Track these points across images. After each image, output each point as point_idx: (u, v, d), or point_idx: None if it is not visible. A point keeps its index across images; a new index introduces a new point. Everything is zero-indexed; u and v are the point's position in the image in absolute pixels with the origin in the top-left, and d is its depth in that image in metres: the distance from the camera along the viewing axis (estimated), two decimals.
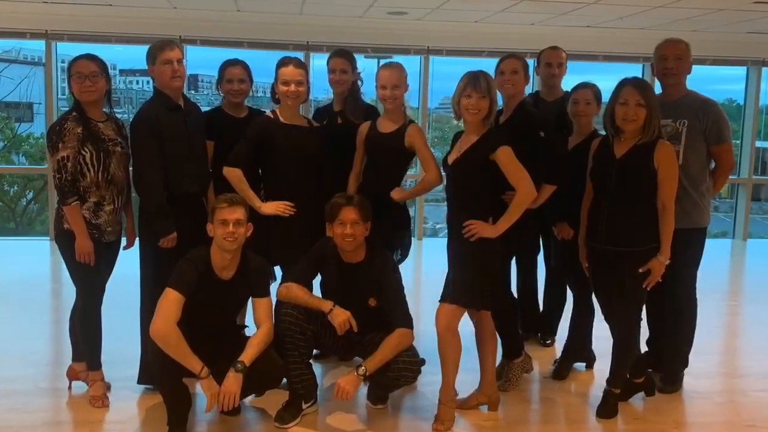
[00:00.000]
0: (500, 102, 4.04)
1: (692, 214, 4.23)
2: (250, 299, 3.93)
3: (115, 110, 4.11)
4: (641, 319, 4.03)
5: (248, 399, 4.09)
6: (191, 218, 4.09)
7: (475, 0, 7.56)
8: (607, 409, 4.07)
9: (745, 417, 4.20)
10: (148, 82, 4.38)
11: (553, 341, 5.23)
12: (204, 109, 4.53)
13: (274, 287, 4.07)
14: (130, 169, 4.11)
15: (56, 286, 6.90)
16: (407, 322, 3.87)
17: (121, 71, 14.70)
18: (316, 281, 4.13)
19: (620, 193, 3.83)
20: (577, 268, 4.24)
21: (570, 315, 4.68)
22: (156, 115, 3.99)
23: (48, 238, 8.82)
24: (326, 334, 3.96)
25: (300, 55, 8.47)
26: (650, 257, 3.81)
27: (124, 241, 4.25)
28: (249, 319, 4.08)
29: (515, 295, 4.90)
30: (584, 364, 4.78)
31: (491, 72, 4.02)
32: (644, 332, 4.27)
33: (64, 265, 4.00)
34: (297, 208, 4.17)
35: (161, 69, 4.02)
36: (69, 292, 4.21)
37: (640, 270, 3.81)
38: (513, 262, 4.66)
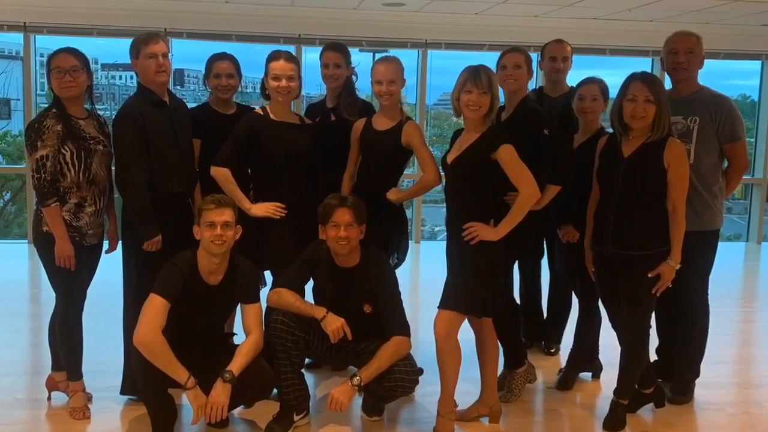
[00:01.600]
0: (502, 98, 4.05)
1: (704, 215, 4.24)
2: (239, 305, 3.94)
3: (96, 107, 4.12)
4: (650, 327, 4.04)
5: (237, 410, 4.08)
6: (177, 220, 4.09)
7: None
8: (614, 421, 4.07)
9: (759, 429, 4.21)
10: (131, 77, 4.39)
11: (558, 350, 5.23)
12: (190, 105, 4.53)
13: (264, 293, 4.08)
14: (113, 168, 4.12)
15: (35, 291, 6.90)
16: (404, 329, 3.88)
17: (103, 66, 14.67)
18: (309, 286, 4.14)
19: (628, 193, 3.84)
20: (583, 273, 4.25)
21: (575, 322, 4.69)
22: (140, 111, 3.99)
23: (26, 241, 8.82)
24: (319, 342, 3.96)
25: (291, 48, 8.50)
26: (660, 261, 3.81)
27: (106, 245, 4.25)
28: (238, 326, 4.08)
29: (518, 301, 4.91)
30: (590, 374, 4.79)
31: (492, 66, 4.02)
32: (653, 340, 4.28)
33: (43, 270, 4.00)
34: (288, 209, 4.18)
35: (145, 63, 4.02)
36: (48, 298, 4.21)
37: (650, 275, 3.81)
38: (515, 266, 4.67)
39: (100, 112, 4.15)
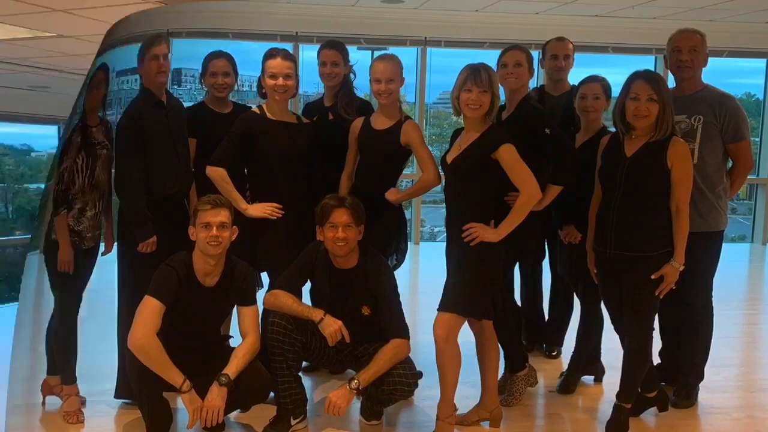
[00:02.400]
0: (502, 97, 4.05)
1: (708, 216, 4.24)
2: (235, 308, 3.94)
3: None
4: (653, 329, 4.04)
5: (233, 414, 4.08)
6: (172, 221, 4.10)
7: None
8: (617, 426, 4.06)
9: None
10: (135, 80, 4.40)
11: (559, 353, 5.22)
12: (187, 104, 4.54)
13: (260, 295, 4.08)
14: (112, 171, 4.14)
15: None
16: (403, 331, 3.88)
17: (117, 72, 14.75)
18: (306, 288, 4.14)
19: (631, 194, 3.83)
20: (585, 275, 4.24)
21: (577, 324, 4.69)
22: (139, 112, 4.04)
23: None
24: (316, 345, 3.96)
25: (289, 46, 8.50)
26: (663, 263, 3.80)
27: (102, 247, 4.25)
28: (234, 328, 4.08)
29: (519, 303, 4.91)
30: (592, 377, 4.78)
31: (493, 65, 4.02)
32: (656, 343, 4.27)
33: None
34: (285, 210, 4.18)
35: (148, 65, 4.06)
36: (45, 303, 4.21)
37: (653, 276, 3.81)
38: (516, 267, 4.67)
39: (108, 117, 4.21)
